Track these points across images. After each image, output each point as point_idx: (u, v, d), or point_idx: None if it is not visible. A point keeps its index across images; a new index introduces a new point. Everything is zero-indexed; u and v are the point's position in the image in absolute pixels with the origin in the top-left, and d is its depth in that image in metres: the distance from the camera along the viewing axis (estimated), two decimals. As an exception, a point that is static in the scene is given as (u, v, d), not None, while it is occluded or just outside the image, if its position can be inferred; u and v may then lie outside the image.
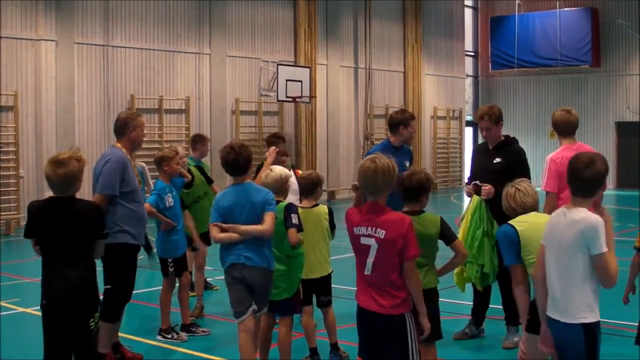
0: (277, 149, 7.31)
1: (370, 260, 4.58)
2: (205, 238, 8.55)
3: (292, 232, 6.04)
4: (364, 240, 4.60)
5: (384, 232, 4.52)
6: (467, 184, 7.49)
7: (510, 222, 5.09)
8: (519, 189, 5.18)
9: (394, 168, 4.62)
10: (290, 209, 6.12)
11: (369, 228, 4.57)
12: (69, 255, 4.90)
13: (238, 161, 5.85)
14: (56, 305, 4.92)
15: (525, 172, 6.90)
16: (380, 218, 4.55)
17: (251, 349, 5.83)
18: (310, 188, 6.71)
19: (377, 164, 4.57)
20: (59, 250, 4.91)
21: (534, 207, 5.16)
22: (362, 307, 4.69)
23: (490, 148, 7.41)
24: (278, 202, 6.08)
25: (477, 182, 7.14)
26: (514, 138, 7.52)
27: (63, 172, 4.90)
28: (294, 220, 6.07)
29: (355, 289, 4.80)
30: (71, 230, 4.90)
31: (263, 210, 5.76)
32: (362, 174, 4.62)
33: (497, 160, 7.27)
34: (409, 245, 4.53)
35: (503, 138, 7.43)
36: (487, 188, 7.00)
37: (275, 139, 9.01)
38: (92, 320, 4.95)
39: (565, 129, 6.85)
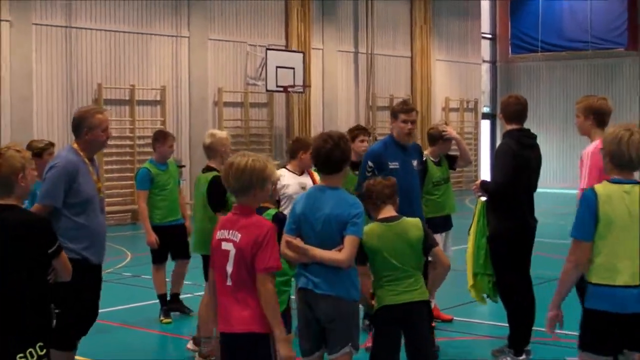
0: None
1: (229, 268, 4.58)
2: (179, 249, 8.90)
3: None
4: (224, 246, 4.62)
5: (239, 235, 4.57)
6: None
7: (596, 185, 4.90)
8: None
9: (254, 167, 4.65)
10: (283, 219, 5.77)
11: (230, 231, 4.63)
12: None
13: (333, 155, 5.24)
14: None
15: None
16: (241, 220, 4.63)
17: None
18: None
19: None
20: None
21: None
22: (225, 332, 4.65)
23: None
24: (266, 208, 5.79)
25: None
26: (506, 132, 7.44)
27: None
28: None
29: None
30: None
31: (342, 230, 5.13)
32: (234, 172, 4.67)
33: None
34: (264, 253, 4.50)
35: None
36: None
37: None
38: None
39: (605, 117, 6.80)
